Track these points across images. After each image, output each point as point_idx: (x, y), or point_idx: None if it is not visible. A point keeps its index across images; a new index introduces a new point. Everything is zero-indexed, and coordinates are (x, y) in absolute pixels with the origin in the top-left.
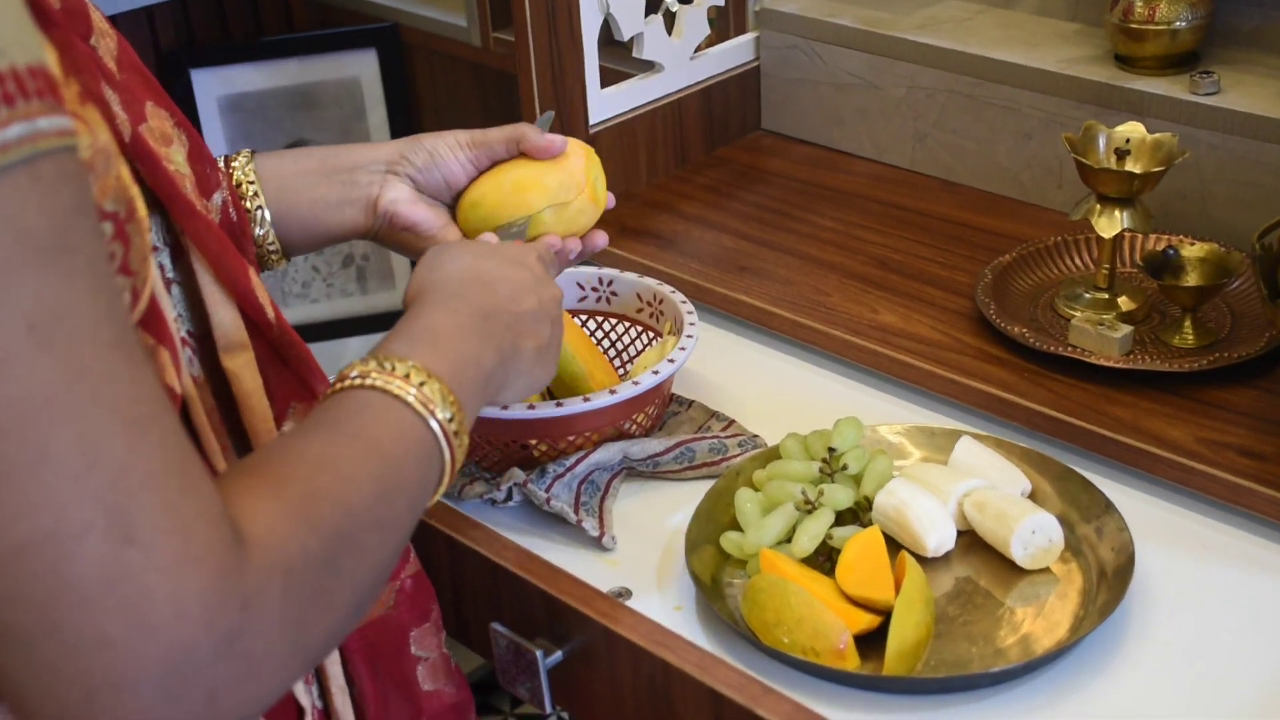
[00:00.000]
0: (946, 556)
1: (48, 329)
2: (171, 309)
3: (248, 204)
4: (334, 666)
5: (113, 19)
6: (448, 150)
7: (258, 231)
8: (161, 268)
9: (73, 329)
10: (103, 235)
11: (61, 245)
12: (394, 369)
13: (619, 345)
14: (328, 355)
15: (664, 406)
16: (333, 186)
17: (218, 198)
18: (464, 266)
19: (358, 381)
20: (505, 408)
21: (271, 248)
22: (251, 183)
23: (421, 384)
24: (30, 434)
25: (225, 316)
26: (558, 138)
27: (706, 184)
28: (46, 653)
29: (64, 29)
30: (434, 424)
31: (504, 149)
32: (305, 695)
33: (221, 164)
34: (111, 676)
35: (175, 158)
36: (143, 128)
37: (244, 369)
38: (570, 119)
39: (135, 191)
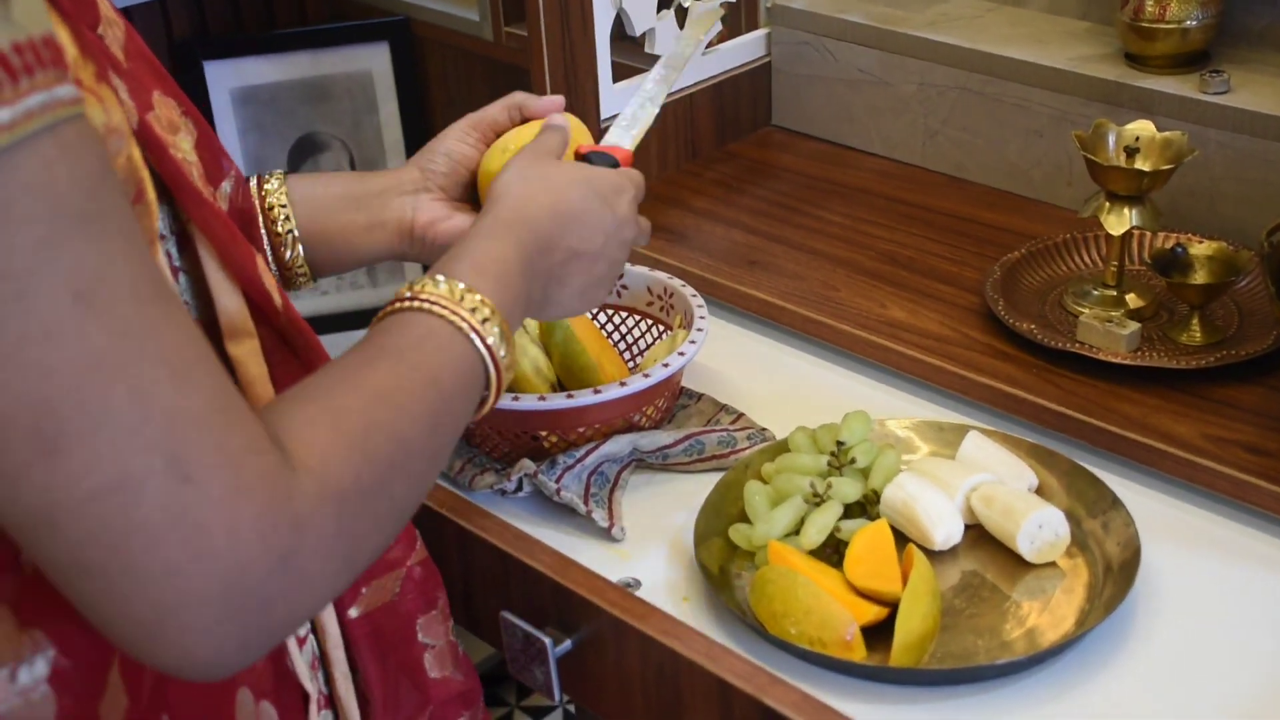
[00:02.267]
0: (953, 550)
1: (91, 294)
2: (178, 296)
3: (279, 227)
4: (337, 652)
5: (126, 10)
6: (459, 144)
7: (287, 255)
8: (168, 256)
9: (113, 290)
10: (126, 196)
11: (94, 210)
12: (462, 299)
13: (629, 338)
14: (338, 347)
15: (674, 399)
16: (363, 211)
17: (226, 186)
18: (552, 188)
19: (427, 306)
20: None
21: (300, 270)
22: (284, 206)
23: (485, 320)
24: (88, 396)
25: (230, 303)
26: (557, 97)
27: (717, 179)
28: (123, 584)
29: (74, 18)
30: (490, 367)
31: (505, 116)
32: (311, 682)
33: (254, 184)
34: (181, 599)
35: (183, 145)
36: (150, 116)
37: (249, 356)
38: (582, 113)
39: (145, 174)
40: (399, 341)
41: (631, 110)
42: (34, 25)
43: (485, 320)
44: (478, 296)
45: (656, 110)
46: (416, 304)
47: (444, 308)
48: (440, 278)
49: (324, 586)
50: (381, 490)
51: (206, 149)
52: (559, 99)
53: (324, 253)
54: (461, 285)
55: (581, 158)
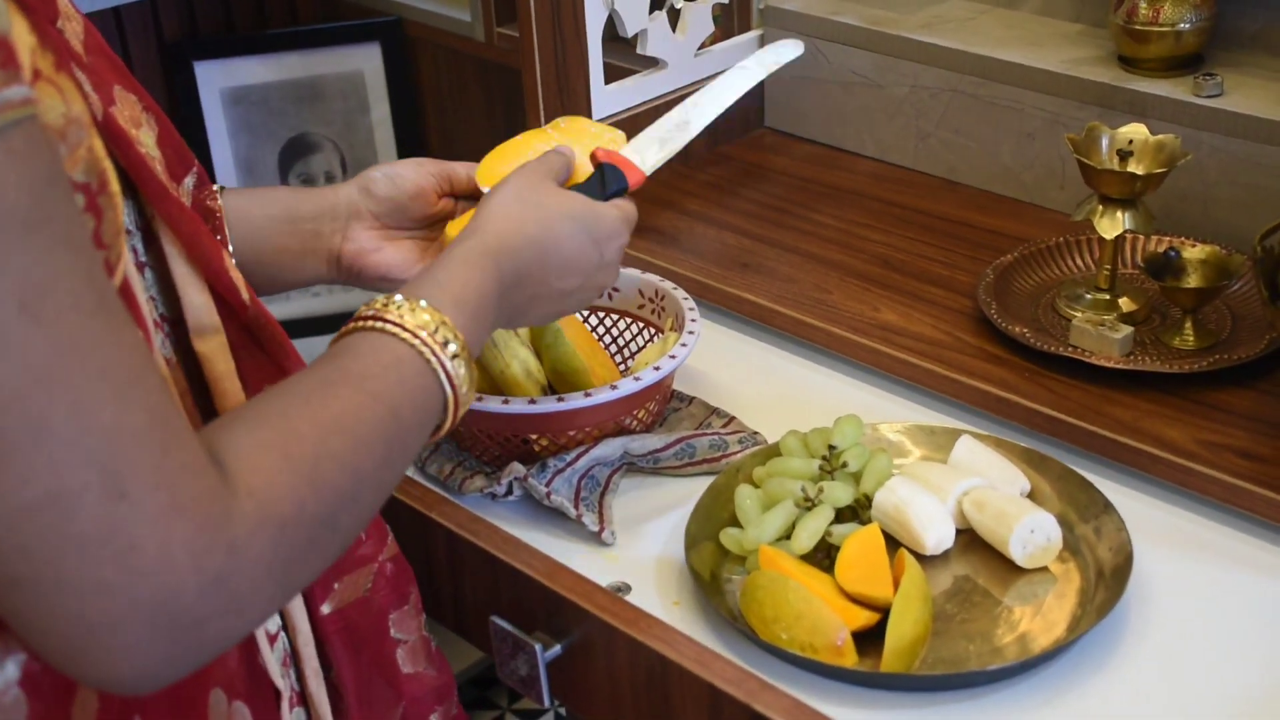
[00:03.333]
0: (945, 555)
1: (37, 304)
2: (144, 292)
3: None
4: (308, 649)
5: (116, 10)
6: (409, 170)
7: None
8: (134, 251)
9: (58, 301)
10: (75, 202)
11: (41, 218)
12: (436, 331)
13: (620, 341)
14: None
15: (665, 403)
16: (296, 237)
17: (189, 181)
18: (543, 219)
19: (397, 331)
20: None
21: None
22: (219, 222)
23: (455, 356)
24: (29, 408)
25: (196, 299)
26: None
27: (709, 181)
28: (52, 598)
29: (35, 12)
30: (451, 401)
31: (466, 175)
32: (282, 679)
33: None
34: (108, 617)
35: (145, 140)
36: (113, 109)
37: (216, 352)
38: (574, 114)
39: (108, 165)
40: (363, 366)
41: (666, 129)
42: None
43: (455, 356)
44: (451, 330)
45: (690, 138)
46: (388, 327)
47: (416, 337)
48: (421, 303)
49: (257, 609)
50: (326, 521)
51: (169, 144)
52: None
53: (259, 275)
54: (438, 315)
55: (597, 165)
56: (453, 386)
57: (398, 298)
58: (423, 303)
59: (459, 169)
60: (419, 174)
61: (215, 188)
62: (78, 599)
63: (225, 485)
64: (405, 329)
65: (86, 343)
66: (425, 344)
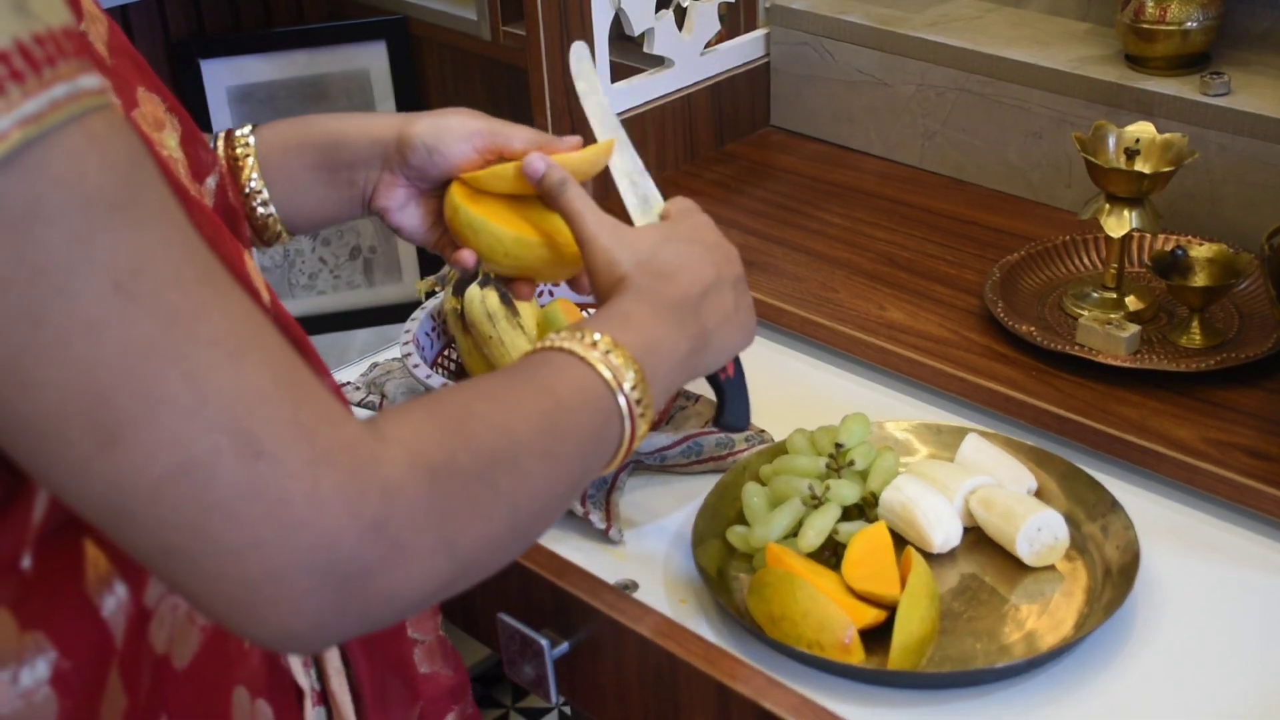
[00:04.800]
0: (952, 553)
1: (132, 283)
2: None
3: (250, 186)
4: (330, 649)
5: (124, 9)
6: (455, 144)
7: (260, 211)
8: None
9: (155, 276)
10: (163, 179)
11: (128, 198)
12: (583, 337)
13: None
14: (334, 346)
15: (672, 401)
16: (332, 186)
17: (211, 181)
18: (639, 264)
19: (549, 343)
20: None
21: (276, 227)
22: (257, 182)
23: (608, 352)
24: (141, 384)
25: None
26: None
27: (715, 179)
28: (208, 563)
29: None
30: (620, 397)
31: (522, 144)
32: (304, 677)
33: (223, 139)
34: (270, 571)
35: (168, 142)
36: (135, 113)
37: None
38: (580, 114)
39: None
40: (517, 367)
41: (639, 190)
42: (53, 16)
43: (608, 353)
44: (602, 334)
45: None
46: (540, 346)
47: (568, 343)
48: (566, 330)
49: (422, 561)
50: (481, 476)
51: (191, 145)
52: (576, 139)
53: (299, 219)
54: (587, 330)
55: None
56: (617, 380)
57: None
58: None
59: (515, 141)
60: (462, 150)
61: (248, 129)
62: (235, 560)
63: (370, 433)
64: (552, 340)
65: (191, 313)
66: (576, 345)
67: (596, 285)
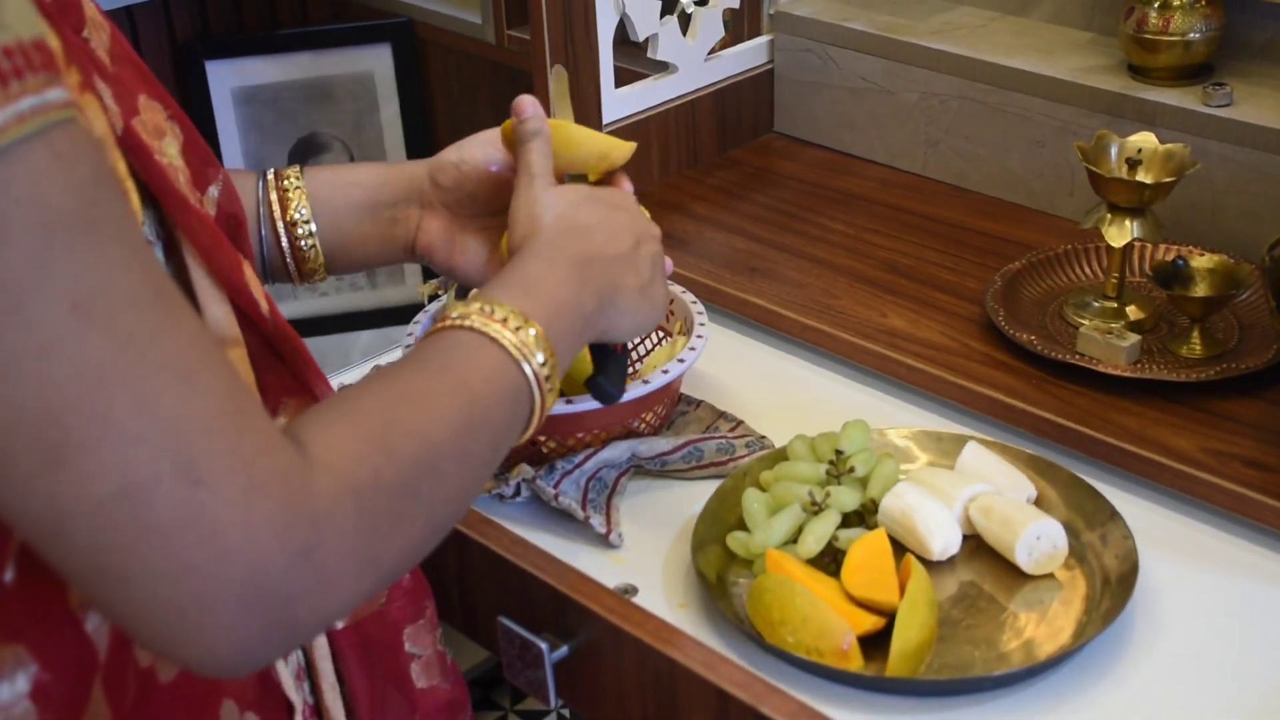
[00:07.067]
0: (951, 560)
1: (89, 304)
2: (184, 300)
3: (298, 215)
4: (325, 663)
5: (129, 10)
6: (477, 150)
7: (304, 243)
8: None
9: (112, 298)
10: (124, 199)
11: (89, 219)
12: (493, 312)
13: (629, 344)
14: (337, 349)
15: (673, 406)
16: (376, 224)
17: (213, 190)
18: (559, 216)
19: (456, 321)
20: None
21: (318, 259)
22: (304, 212)
23: (518, 329)
24: (91, 406)
25: (217, 311)
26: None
27: (718, 185)
28: (140, 586)
29: (57, 21)
30: (527, 369)
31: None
32: (296, 692)
33: (271, 174)
34: (199, 599)
35: (168, 151)
36: (135, 121)
37: (236, 364)
38: (584, 118)
39: (130, 185)
40: (426, 353)
41: None
42: (24, 28)
43: (518, 329)
44: (508, 307)
45: None
46: (445, 324)
47: (475, 320)
48: (469, 302)
49: (347, 584)
50: (405, 490)
51: (194, 153)
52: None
53: (344, 259)
54: (492, 303)
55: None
56: (525, 356)
57: (452, 304)
58: (469, 299)
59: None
60: (488, 158)
61: (296, 169)
62: (167, 585)
63: (302, 461)
64: (459, 316)
65: (144, 336)
66: (484, 323)
67: (514, 231)
